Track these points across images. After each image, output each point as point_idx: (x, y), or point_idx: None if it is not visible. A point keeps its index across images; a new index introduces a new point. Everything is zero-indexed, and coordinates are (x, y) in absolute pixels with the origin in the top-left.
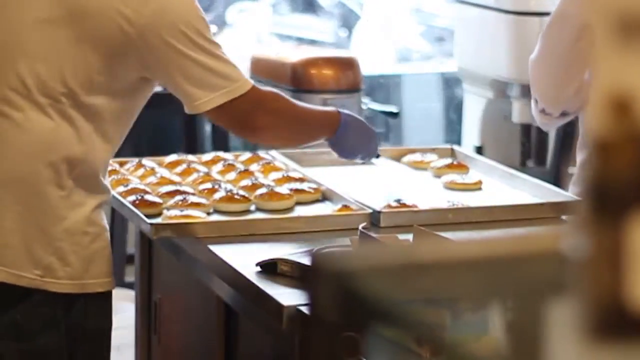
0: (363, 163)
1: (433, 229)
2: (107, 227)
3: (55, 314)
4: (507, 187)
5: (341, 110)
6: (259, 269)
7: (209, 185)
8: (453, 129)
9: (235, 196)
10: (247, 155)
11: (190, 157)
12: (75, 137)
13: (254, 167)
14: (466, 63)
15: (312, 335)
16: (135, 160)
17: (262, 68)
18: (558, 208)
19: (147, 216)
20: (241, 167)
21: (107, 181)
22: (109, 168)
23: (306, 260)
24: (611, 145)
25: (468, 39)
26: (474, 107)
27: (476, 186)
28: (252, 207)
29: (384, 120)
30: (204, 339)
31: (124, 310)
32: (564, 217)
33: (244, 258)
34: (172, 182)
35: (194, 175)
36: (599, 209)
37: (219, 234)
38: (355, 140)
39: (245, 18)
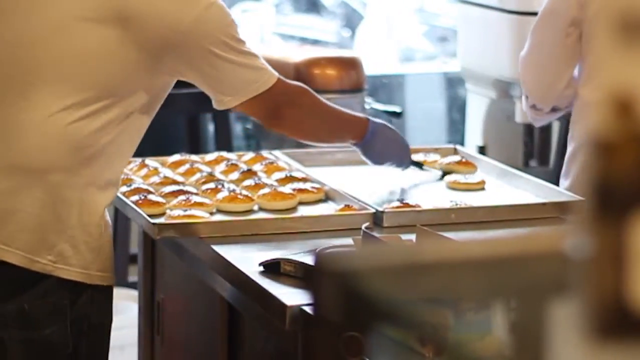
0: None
1: (436, 228)
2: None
3: (63, 304)
4: (510, 187)
5: (372, 118)
6: (262, 268)
7: (212, 185)
8: (456, 129)
9: (239, 196)
10: (250, 155)
11: (194, 157)
12: (102, 132)
13: (257, 167)
14: (469, 63)
15: (315, 335)
16: (139, 160)
17: None
18: (561, 208)
19: (150, 216)
20: (244, 167)
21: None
22: None
23: (309, 260)
24: (614, 145)
25: (471, 39)
26: (477, 107)
27: (479, 186)
28: (255, 207)
29: (386, 120)
30: (207, 338)
31: (127, 310)
32: (566, 217)
33: (247, 258)
34: (175, 182)
35: (197, 175)
36: (601, 209)
37: (222, 233)
38: (384, 148)
39: (249, 18)
